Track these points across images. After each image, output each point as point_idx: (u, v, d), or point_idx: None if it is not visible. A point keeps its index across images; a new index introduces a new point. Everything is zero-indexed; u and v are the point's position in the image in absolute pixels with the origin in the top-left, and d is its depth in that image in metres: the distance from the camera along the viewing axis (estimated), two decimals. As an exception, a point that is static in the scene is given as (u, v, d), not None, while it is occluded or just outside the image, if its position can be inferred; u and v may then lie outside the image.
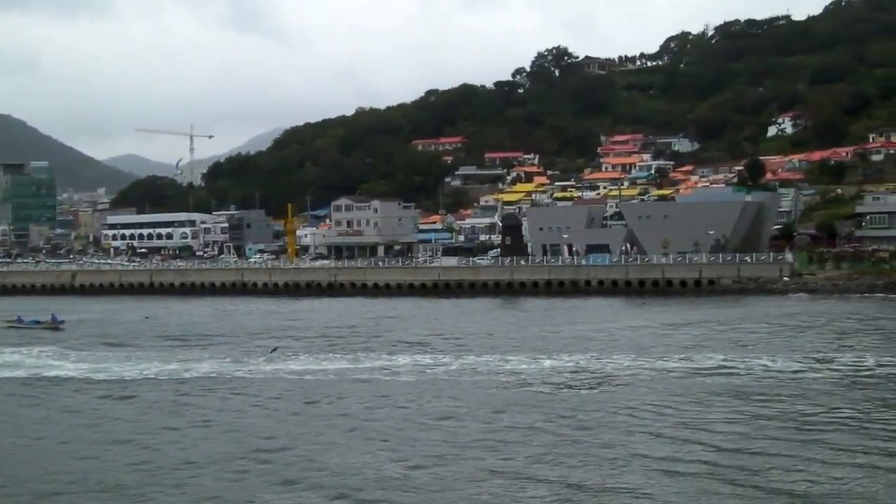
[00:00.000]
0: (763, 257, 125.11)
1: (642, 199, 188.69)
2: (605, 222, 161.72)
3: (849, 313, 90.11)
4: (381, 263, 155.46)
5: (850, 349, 64.87)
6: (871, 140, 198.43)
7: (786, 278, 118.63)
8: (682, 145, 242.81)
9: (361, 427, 44.88)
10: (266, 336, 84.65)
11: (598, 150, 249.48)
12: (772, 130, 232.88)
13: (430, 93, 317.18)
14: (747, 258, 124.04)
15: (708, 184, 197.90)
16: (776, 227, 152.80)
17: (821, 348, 65.80)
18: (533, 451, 39.20)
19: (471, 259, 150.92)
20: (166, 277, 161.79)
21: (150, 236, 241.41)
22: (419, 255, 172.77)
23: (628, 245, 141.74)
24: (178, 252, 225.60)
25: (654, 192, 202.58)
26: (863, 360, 59.51)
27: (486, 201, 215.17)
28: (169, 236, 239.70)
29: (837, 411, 45.10)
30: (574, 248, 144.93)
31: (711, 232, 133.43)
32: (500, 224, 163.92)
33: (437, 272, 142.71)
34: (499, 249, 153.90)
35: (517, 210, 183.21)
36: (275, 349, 72.87)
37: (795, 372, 56.15)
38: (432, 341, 78.06)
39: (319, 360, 66.91)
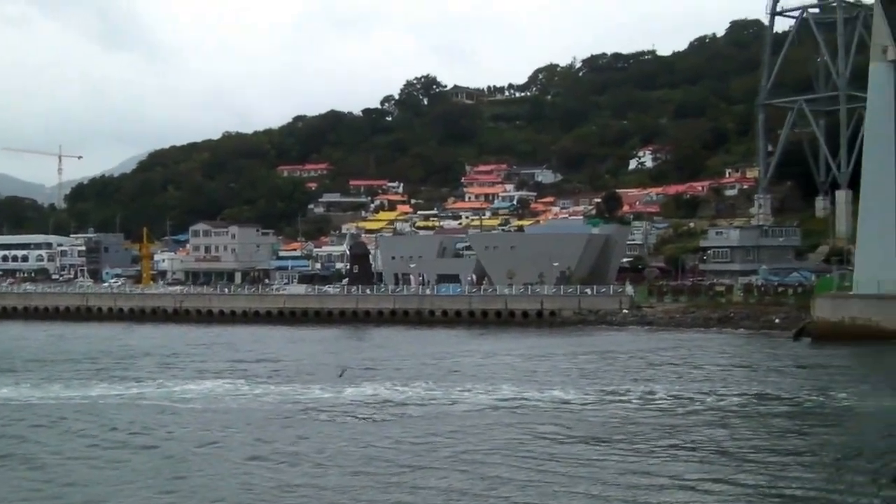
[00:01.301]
0: (604, 290, 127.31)
1: (502, 230, 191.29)
2: (459, 252, 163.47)
3: (674, 345, 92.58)
4: (227, 290, 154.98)
5: (649, 381, 66.78)
6: (727, 175, 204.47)
7: (625, 311, 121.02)
8: (545, 176, 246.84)
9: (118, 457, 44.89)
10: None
11: (463, 179, 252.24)
12: (632, 163, 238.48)
13: (297, 118, 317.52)
14: (588, 290, 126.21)
15: (567, 215, 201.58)
16: (626, 259, 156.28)
17: (621, 380, 67.60)
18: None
19: (318, 287, 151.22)
20: (9, 301, 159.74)
21: (5, 258, 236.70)
22: (275, 283, 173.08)
23: (474, 276, 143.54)
24: (32, 275, 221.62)
25: (516, 222, 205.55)
26: (653, 392, 61.40)
27: (348, 229, 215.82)
28: (25, 259, 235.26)
29: (574, 443, 46.28)
30: (424, 278, 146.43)
31: (556, 264, 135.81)
32: (349, 252, 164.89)
33: (283, 300, 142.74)
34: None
35: (376, 238, 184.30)
36: None
37: (584, 404, 57.66)
38: (249, 368, 78.72)
39: (78, 387, 66.96)
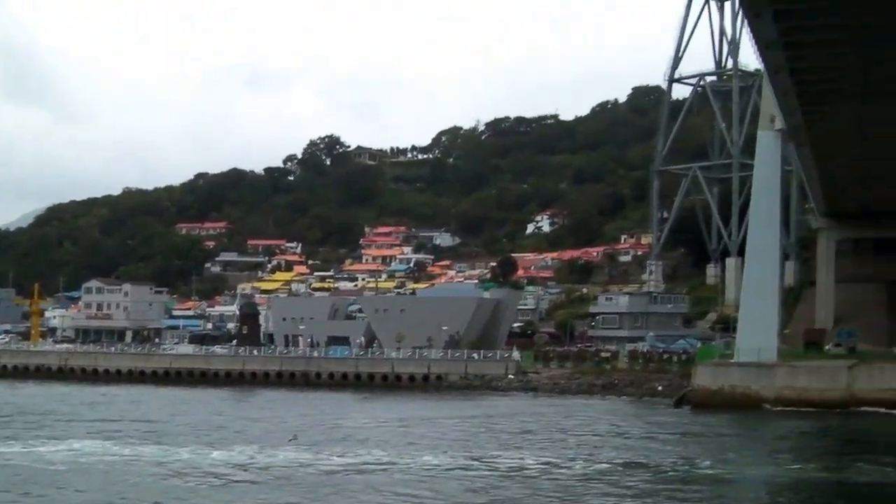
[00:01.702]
0: (491, 355, 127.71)
1: (397, 292, 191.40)
2: (352, 314, 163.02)
3: (555, 411, 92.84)
4: (114, 349, 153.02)
5: (521, 448, 66.82)
6: (622, 241, 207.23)
7: (510, 376, 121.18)
8: (444, 239, 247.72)
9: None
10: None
11: (361, 241, 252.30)
12: (530, 228, 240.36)
13: (199, 175, 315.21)
14: (475, 355, 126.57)
15: (463, 279, 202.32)
16: (518, 324, 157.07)
17: (494, 446, 67.56)
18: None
19: (206, 347, 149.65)
20: None
21: None
22: (165, 342, 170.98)
23: (363, 339, 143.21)
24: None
25: (411, 285, 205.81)
26: (523, 458, 61.43)
27: (243, 289, 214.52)
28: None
29: None
30: (314, 340, 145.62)
31: (445, 328, 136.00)
32: (238, 312, 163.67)
33: (169, 360, 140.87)
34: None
35: (269, 299, 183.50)
36: None
37: (450, 469, 57.49)
38: (122, 428, 77.52)
39: None
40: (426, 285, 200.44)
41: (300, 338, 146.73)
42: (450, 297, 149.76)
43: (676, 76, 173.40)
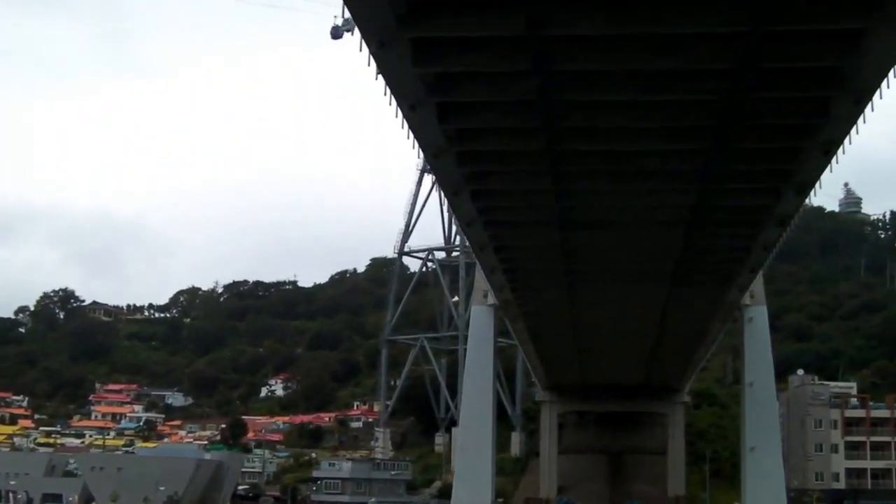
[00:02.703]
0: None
1: (125, 451, 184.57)
2: (73, 472, 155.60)
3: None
4: None
5: None
6: (354, 407, 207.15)
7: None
8: (176, 399, 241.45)
9: None
10: None
11: (91, 397, 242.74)
12: (264, 391, 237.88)
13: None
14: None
15: (193, 439, 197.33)
16: (244, 487, 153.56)
17: None
18: None
19: None
20: None
21: None
22: None
23: (76, 497, 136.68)
24: None
25: (140, 444, 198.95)
26: None
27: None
28: None
29: None
30: (27, 496, 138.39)
31: (163, 488, 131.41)
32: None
33: None
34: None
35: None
36: None
37: None
38: None
39: None
40: (156, 444, 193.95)
41: (11, 493, 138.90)
42: (168, 456, 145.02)
43: (407, 249, 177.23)
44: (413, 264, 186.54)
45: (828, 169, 39.18)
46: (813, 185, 41.18)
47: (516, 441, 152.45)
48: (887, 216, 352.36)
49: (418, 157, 38.71)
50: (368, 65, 29.41)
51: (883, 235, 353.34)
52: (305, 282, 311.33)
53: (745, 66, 29.70)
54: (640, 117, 34.41)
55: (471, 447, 78.50)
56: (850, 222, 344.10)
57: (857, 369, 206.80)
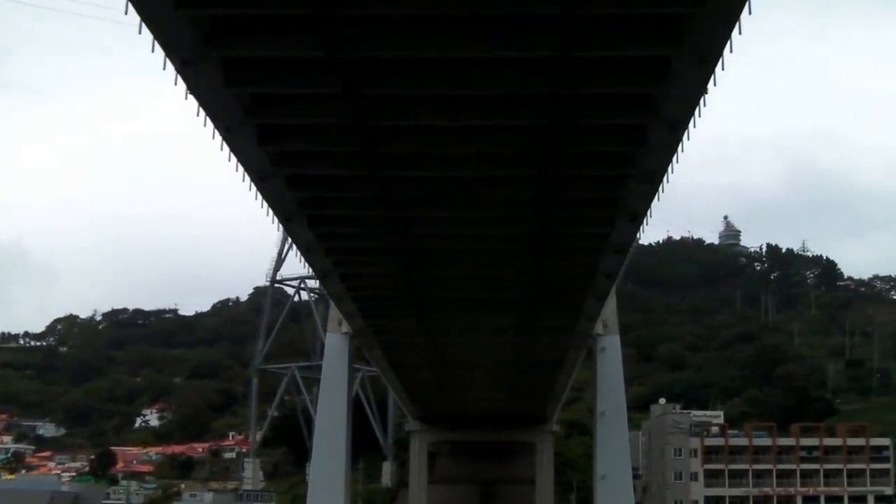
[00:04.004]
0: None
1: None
2: None
3: None
4: None
5: None
6: (230, 437, 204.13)
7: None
8: (48, 429, 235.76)
9: None
10: None
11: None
12: (138, 421, 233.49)
13: None
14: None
15: (61, 471, 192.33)
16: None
17: None
18: None
19: None
20: None
21: None
22: None
23: None
24: None
25: (6, 476, 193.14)
26: None
27: None
28: None
29: None
30: None
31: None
32: None
33: None
34: None
35: None
36: None
37: None
38: None
39: None
40: (12, 476, 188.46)
41: None
42: (21, 489, 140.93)
43: (279, 277, 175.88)
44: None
45: (659, 198, 39.24)
46: (644, 214, 41.18)
47: (387, 471, 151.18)
48: (764, 249, 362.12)
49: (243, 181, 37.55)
50: (175, 83, 28.48)
51: (759, 268, 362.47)
52: (187, 311, 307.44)
53: (560, 91, 29.46)
54: (463, 143, 33.96)
55: (322, 482, 76.23)
56: (729, 255, 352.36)
57: (728, 398, 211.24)
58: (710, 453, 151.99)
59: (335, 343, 74.87)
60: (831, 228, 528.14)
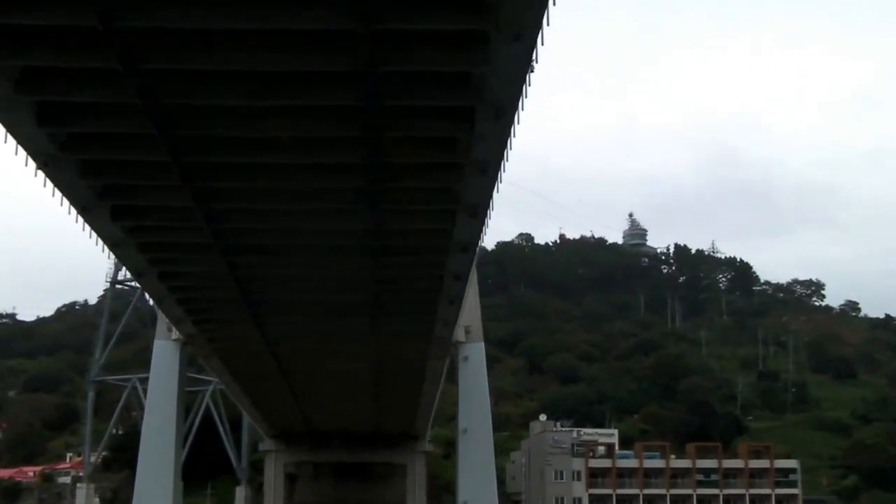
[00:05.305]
0: None
1: None
2: None
3: None
4: None
5: None
6: (67, 459, 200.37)
7: None
8: None
9: None
10: None
11: None
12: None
13: None
14: None
15: None
16: None
17: None
18: None
19: None
20: None
21: None
22: None
23: None
24: None
25: None
26: None
27: None
28: None
29: None
30: None
31: None
32: None
33: None
34: None
35: None
36: None
37: None
38: None
39: None
40: None
41: None
42: None
43: (121, 278, 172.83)
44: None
45: (495, 192, 39.57)
46: (486, 208, 41.50)
47: (241, 496, 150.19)
48: (671, 249, 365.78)
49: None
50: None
51: (666, 270, 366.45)
52: (27, 315, 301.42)
53: (366, 69, 29.48)
54: (268, 126, 33.86)
55: (147, 497, 74.71)
56: (632, 255, 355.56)
57: (625, 415, 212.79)
58: (595, 476, 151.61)
59: (164, 351, 73.87)
60: (746, 228, 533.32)
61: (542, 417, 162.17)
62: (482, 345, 75.05)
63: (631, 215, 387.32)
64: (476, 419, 73.54)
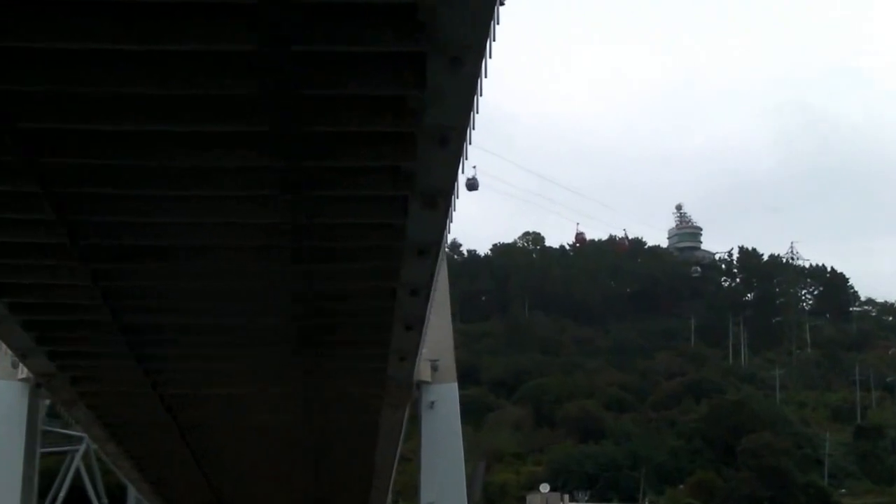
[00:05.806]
0: None
1: None
2: None
3: None
4: None
5: None
6: None
7: None
8: None
9: None
10: None
11: None
12: None
13: None
14: None
15: None
16: None
17: None
18: None
19: None
20: None
21: None
22: None
23: None
24: None
25: None
26: None
27: None
28: None
29: None
30: None
31: None
32: None
33: None
34: None
35: None
36: None
37: None
38: None
39: None
40: None
41: None
42: None
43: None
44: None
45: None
46: (449, 194, 40.87)
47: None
48: (734, 255, 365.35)
49: None
50: None
51: (727, 283, 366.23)
52: None
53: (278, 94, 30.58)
54: (162, 116, 34.20)
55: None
56: (679, 263, 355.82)
57: (668, 484, 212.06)
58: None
59: (9, 394, 73.48)
60: (841, 227, 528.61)
61: (544, 488, 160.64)
62: (455, 385, 74.91)
63: (679, 208, 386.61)
64: (447, 491, 73.30)
